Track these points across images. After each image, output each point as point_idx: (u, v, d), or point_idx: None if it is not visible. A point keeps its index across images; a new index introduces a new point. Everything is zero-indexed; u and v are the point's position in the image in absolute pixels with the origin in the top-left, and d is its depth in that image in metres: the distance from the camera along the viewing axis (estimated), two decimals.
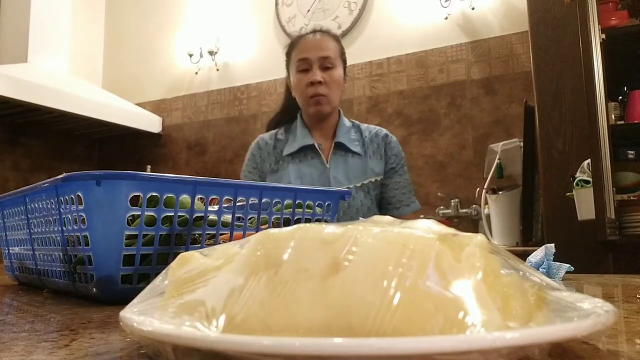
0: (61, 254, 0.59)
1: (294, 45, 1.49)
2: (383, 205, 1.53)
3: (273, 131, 1.57)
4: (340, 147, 1.48)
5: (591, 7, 1.93)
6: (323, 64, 1.43)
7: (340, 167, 1.47)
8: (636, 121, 2.11)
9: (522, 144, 2.22)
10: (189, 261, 0.32)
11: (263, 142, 1.55)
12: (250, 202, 0.62)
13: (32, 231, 0.67)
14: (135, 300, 0.31)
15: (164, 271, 0.33)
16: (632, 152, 2.23)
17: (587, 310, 0.27)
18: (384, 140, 1.53)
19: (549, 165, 1.97)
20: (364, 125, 1.56)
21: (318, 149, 1.48)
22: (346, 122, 1.54)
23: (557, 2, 2.06)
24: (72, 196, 0.53)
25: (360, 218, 0.89)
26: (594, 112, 1.77)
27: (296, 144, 1.49)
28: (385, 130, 1.56)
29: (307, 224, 0.28)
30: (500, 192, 2.30)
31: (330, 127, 1.52)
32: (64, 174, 0.53)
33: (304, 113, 1.52)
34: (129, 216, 0.53)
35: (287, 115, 1.58)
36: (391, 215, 1.32)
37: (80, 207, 0.52)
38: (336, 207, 0.75)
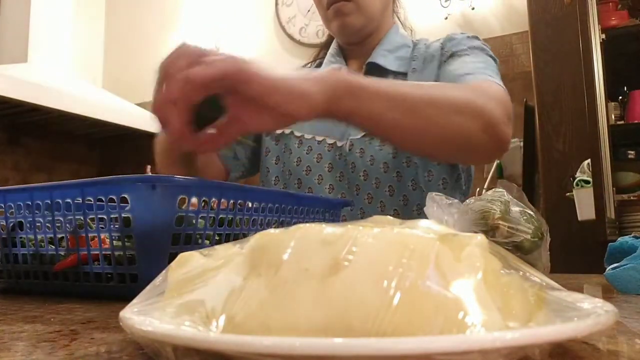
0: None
1: None
2: None
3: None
4: (375, 71, 0.98)
5: (591, 7, 1.93)
6: None
7: None
8: (636, 121, 2.11)
9: (522, 143, 2.22)
10: (188, 261, 0.32)
11: None
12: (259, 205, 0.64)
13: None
14: (135, 300, 0.31)
15: (164, 271, 0.33)
16: (632, 152, 2.23)
17: (587, 310, 0.27)
18: (445, 41, 0.98)
19: (549, 165, 1.98)
20: (431, 41, 1.03)
21: None
22: (398, 38, 1.04)
23: (557, 2, 2.06)
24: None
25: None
26: (594, 112, 1.77)
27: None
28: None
29: (307, 224, 0.28)
30: None
31: (373, 47, 1.02)
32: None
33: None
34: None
35: (327, 47, 1.12)
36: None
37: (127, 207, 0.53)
38: (339, 215, 0.75)
